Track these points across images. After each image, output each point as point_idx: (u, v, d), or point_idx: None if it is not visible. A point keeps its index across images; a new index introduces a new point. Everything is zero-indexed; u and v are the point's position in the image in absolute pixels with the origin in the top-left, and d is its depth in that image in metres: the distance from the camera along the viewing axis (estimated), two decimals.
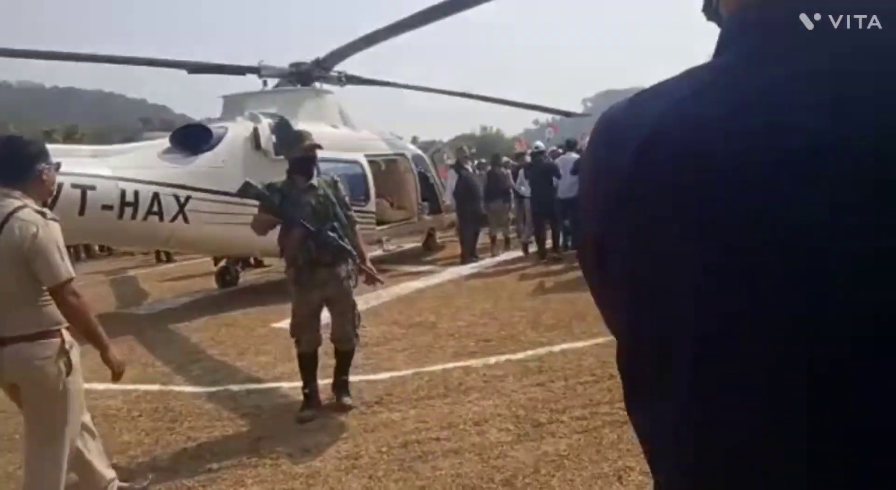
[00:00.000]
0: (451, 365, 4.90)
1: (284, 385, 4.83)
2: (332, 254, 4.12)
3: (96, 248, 15.47)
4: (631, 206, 0.54)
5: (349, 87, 10.93)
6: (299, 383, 4.80)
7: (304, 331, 4.23)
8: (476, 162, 15.73)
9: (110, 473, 3.07)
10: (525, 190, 11.02)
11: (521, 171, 11.23)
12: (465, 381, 4.51)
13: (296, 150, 4.29)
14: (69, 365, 2.74)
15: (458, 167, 10.31)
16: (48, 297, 2.71)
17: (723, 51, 0.58)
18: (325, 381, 4.48)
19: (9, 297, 2.70)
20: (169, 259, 13.66)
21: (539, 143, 12.03)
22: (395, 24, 8.80)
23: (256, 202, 8.27)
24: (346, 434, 3.81)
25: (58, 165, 3.05)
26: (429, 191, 11.06)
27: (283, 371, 5.14)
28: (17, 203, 2.70)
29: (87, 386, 4.46)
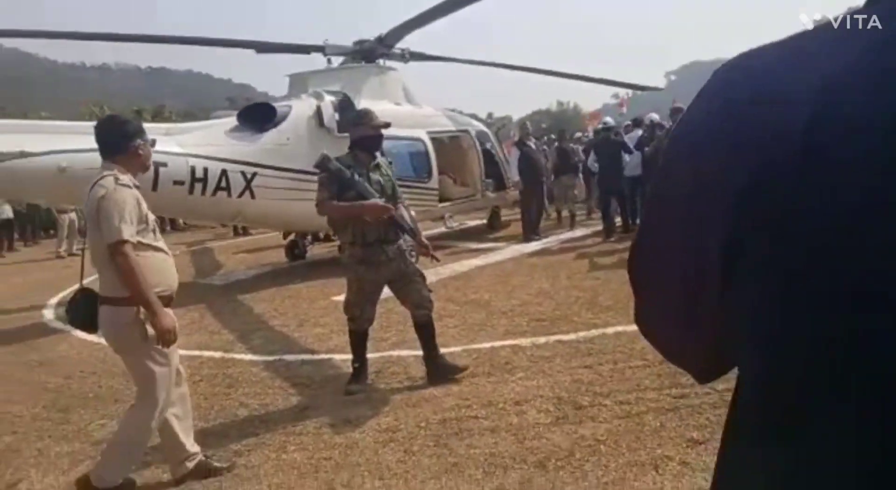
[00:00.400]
0: (500, 343, 4.87)
1: (336, 357, 4.95)
2: (396, 231, 4.16)
3: (181, 221, 16.29)
4: (809, 184, 0.44)
5: (422, 64, 10.93)
6: (350, 356, 4.92)
7: (364, 309, 4.21)
8: (545, 138, 15.50)
9: (194, 447, 3.20)
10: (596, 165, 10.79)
11: (593, 148, 10.99)
12: (512, 361, 4.47)
13: (364, 127, 4.24)
14: (145, 333, 2.88)
15: (521, 144, 10.12)
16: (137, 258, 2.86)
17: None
18: (373, 356, 4.56)
19: (101, 260, 2.93)
20: (245, 232, 14.23)
21: (608, 119, 11.74)
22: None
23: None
24: (387, 408, 3.86)
25: (153, 142, 3.25)
26: (493, 167, 10.95)
27: (337, 343, 5.26)
28: (106, 173, 2.94)
29: None
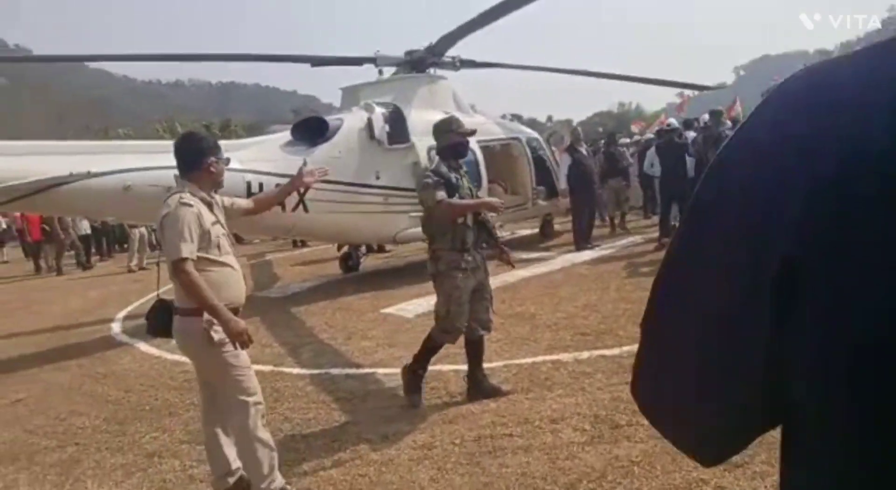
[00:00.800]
0: (541, 358, 4.82)
1: (380, 371, 5.01)
2: (486, 236, 4.25)
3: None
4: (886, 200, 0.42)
5: (481, 71, 10.97)
6: (393, 370, 4.98)
7: (464, 319, 4.13)
8: (601, 142, 15.27)
9: (236, 462, 3.26)
10: (654, 169, 10.59)
11: (652, 150, 10.76)
12: (552, 377, 4.42)
13: (454, 134, 4.26)
14: (212, 341, 2.97)
15: (572, 150, 9.98)
16: (200, 274, 2.97)
17: None
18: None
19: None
20: (304, 244, 14.60)
21: (672, 121, 11.52)
22: (503, 4, 8.63)
23: (372, 191, 8.58)
24: (424, 424, 3.89)
25: (227, 159, 3.36)
26: (545, 175, 10.83)
27: (382, 357, 5.34)
28: (175, 191, 3.10)
29: None
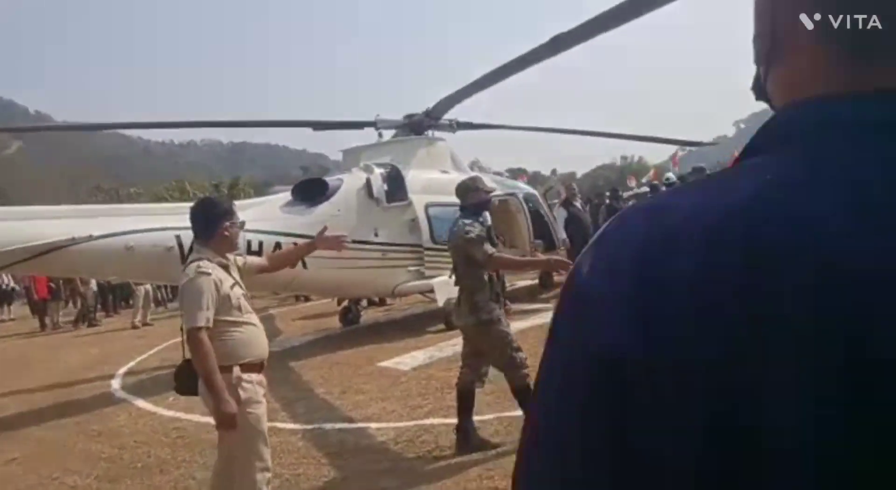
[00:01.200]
0: None
1: (372, 425, 5.03)
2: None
3: None
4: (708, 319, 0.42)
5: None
6: (385, 424, 5.02)
7: (522, 352, 4.24)
8: (606, 195, 15.56)
9: None
10: None
11: None
12: None
13: (479, 192, 4.46)
14: (237, 398, 3.04)
15: (567, 204, 10.19)
16: (222, 335, 3.09)
17: (773, 150, 0.51)
18: (407, 424, 4.61)
19: None
20: (307, 299, 14.68)
21: (670, 175, 11.80)
22: (499, 69, 8.98)
23: (371, 247, 8.74)
24: (412, 479, 3.90)
25: (242, 223, 3.47)
26: (543, 228, 11.02)
27: (374, 411, 5.36)
28: (197, 256, 3.22)
29: (201, 419, 4.98)
